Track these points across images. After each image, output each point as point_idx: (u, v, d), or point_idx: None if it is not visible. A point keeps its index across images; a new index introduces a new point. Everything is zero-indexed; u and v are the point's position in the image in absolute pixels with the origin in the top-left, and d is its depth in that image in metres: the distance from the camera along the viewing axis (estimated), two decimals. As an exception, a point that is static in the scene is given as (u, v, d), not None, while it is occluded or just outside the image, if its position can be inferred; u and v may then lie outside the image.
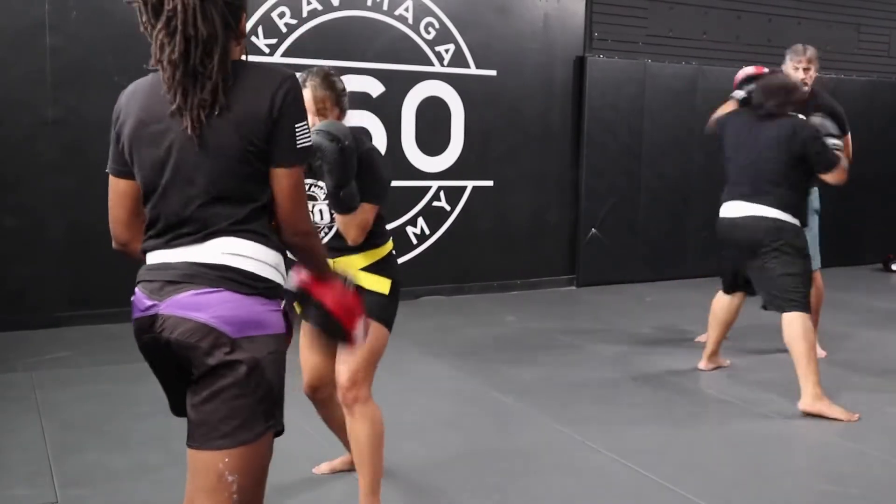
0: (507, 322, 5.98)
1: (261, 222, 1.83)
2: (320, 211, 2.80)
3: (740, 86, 4.91)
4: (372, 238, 2.79)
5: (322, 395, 3.03)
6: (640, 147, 7.46)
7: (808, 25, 8.45)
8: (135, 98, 1.86)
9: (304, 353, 2.99)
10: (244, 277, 1.79)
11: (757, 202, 4.29)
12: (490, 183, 6.92)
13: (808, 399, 4.07)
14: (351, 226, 2.68)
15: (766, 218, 4.27)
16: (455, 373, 4.64)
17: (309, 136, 1.84)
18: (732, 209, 4.41)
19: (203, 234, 1.79)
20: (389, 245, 2.90)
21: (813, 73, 5.05)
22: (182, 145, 1.77)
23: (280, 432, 1.91)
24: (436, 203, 6.71)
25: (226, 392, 1.76)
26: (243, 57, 1.88)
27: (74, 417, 3.77)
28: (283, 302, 1.92)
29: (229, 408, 1.76)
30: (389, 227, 6.45)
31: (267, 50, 5.92)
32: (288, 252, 1.92)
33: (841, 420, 3.97)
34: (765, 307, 4.61)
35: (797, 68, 5.05)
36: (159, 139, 1.79)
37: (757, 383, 4.60)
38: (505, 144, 6.94)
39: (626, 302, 6.77)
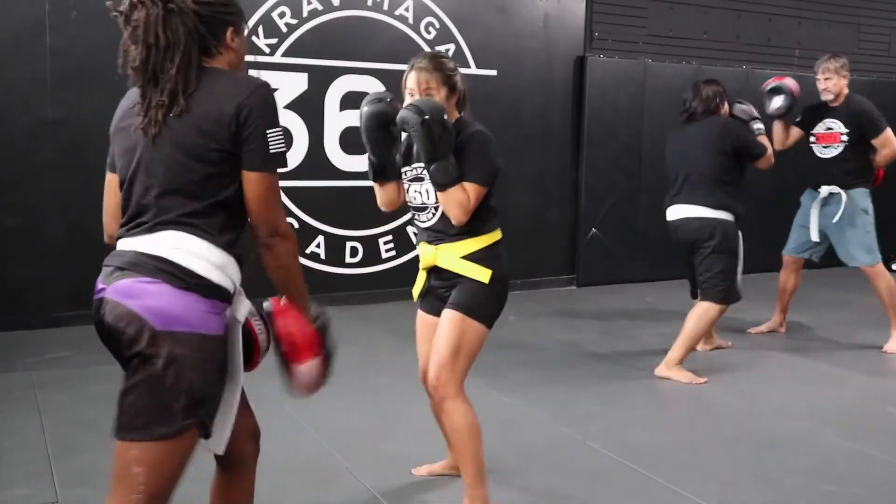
0: (508, 321, 5.98)
1: (213, 220, 1.87)
2: (427, 190, 2.81)
3: (768, 96, 5.27)
4: (475, 223, 2.75)
5: None
6: (640, 147, 7.46)
7: (808, 25, 8.46)
8: (127, 97, 2.01)
9: (419, 342, 3.00)
10: (180, 272, 1.82)
11: (690, 203, 4.65)
12: (490, 183, 6.90)
13: (663, 366, 4.59)
14: (450, 204, 2.68)
15: (699, 218, 4.60)
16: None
17: (282, 142, 1.89)
18: (672, 213, 4.83)
19: (153, 223, 1.85)
20: (496, 235, 2.83)
21: (837, 82, 5.27)
22: (146, 141, 1.87)
23: (206, 435, 1.89)
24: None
25: (142, 385, 1.80)
26: (245, 68, 2.02)
27: (75, 417, 3.77)
28: (227, 308, 1.91)
29: (144, 401, 1.80)
30: (389, 226, 6.50)
31: (267, 50, 5.92)
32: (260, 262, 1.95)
33: (688, 383, 4.46)
34: (693, 296, 4.88)
35: (818, 79, 5.32)
36: (130, 133, 1.91)
37: (757, 383, 4.60)
38: (505, 144, 6.89)
39: (627, 302, 6.77)
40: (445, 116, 2.65)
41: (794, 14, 8.36)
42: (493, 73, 6.79)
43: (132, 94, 1.97)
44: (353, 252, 6.41)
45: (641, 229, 7.54)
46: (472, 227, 2.75)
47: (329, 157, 6.23)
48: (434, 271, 2.85)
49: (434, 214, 2.82)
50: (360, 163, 6.23)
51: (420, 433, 3.71)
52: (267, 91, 1.89)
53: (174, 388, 1.78)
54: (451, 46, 6.60)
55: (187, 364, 1.79)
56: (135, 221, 1.89)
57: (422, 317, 2.98)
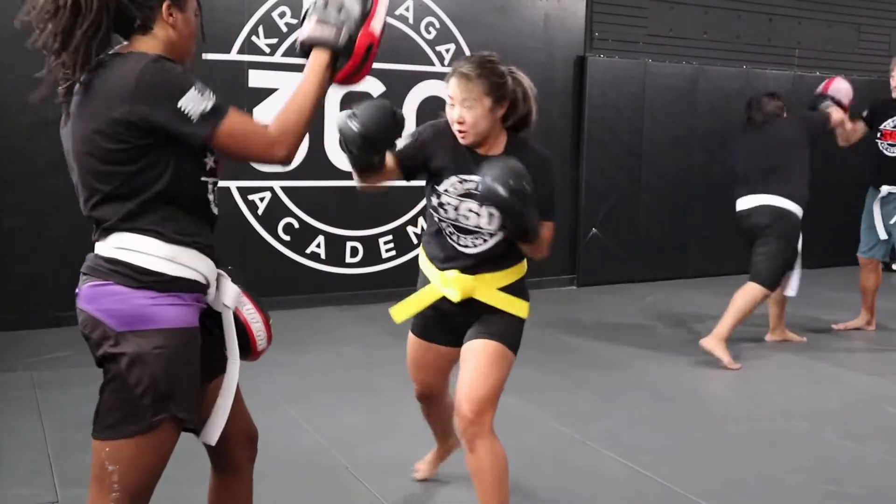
0: (508, 322, 5.97)
1: (152, 217, 1.81)
2: (490, 213, 2.46)
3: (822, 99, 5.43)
4: (517, 253, 2.57)
5: (434, 402, 2.95)
6: (640, 147, 7.46)
7: (808, 25, 8.46)
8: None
9: (417, 370, 2.83)
10: (131, 270, 1.80)
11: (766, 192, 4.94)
12: (490, 183, 6.90)
13: (712, 339, 4.86)
14: (539, 247, 2.50)
15: (771, 206, 4.91)
16: (455, 372, 4.63)
17: (200, 101, 1.72)
18: (745, 202, 5.06)
19: (101, 229, 1.84)
20: (525, 264, 2.65)
21: None
22: (72, 149, 1.83)
23: (190, 429, 1.90)
24: (436, 203, 6.70)
25: (110, 384, 1.80)
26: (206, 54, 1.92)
27: (75, 417, 3.76)
28: (200, 297, 1.88)
29: (113, 400, 1.80)
30: (390, 226, 6.50)
31: (267, 50, 5.92)
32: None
33: (724, 362, 4.77)
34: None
35: (892, 76, 5.47)
36: (65, 138, 1.88)
37: (757, 383, 4.60)
38: (505, 144, 6.93)
39: (627, 302, 6.77)
40: (528, 183, 2.31)
41: (795, 14, 8.36)
42: (494, 72, 6.78)
43: None
44: (354, 252, 6.41)
45: (641, 229, 7.54)
46: (515, 258, 2.58)
47: (329, 157, 6.23)
48: (457, 303, 2.55)
49: (486, 242, 2.53)
50: (361, 163, 6.22)
51: (420, 433, 3.70)
52: (151, 72, 1.72)
53: (139, 387, 1.77)
54: (451, 46, 6.60)
55: (150, 361, 1.77)
56: (94, 226, 1.87)
57: (424, 345, 2.75)
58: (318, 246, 6.28)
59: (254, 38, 5.87)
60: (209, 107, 1.74)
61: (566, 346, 5.29)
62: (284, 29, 5.97)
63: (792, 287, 5.03)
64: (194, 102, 1.73)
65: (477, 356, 2.50)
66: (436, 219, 2.57)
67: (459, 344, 2.62)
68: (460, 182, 2.48)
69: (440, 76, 6.53)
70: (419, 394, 2.91)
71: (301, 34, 1.93)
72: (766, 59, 8.15)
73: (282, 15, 5.97)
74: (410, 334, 2.78)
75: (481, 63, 2.45)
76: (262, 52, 5.89)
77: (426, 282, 2.65)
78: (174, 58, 1.85)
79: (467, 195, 2.48)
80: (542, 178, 2.45)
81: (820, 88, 5.38)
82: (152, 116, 1.72)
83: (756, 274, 4.90)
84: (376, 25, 1.92)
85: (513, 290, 2.58)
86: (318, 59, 1.90)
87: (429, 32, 6.50)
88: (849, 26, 8.73)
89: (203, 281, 1.88)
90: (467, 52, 6.65)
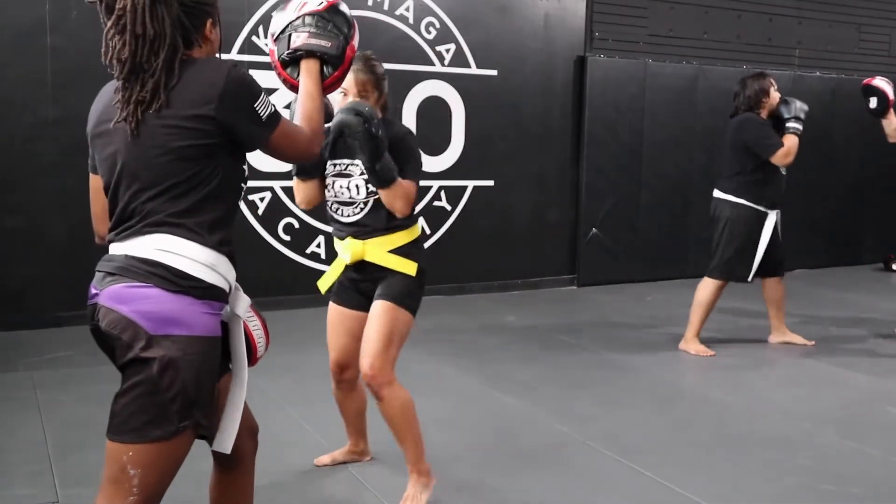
0: (508, 322, 5.98)
1: (201, 219, 1.85)
2: (356, 186, 2.89)
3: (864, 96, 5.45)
4: (401, 218, 2.88)
5: (349, 376, 3.12)
6: (640, 146, 7.46)
7: (808, 25, 8.46)
8: (99, 99, 1.96)
9: (332, 334, 3.09)
10: (172, 274, 1.80)
11: (718, 187, 5.16)
12: (491, 183, 6.92)
13: (684, 342, 5.15)
14: (396, 197, 2.79)
15: (718, 199, 5.12)
16: (455, 372, 4.65)
17: (268, 104, 1.89)
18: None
19: (140, 227, 1.84)
20: (418, 228, 2.99)
21: None
22: (127, 143, 1.84)
23: (204, 436, 1.91)
24: (436, 203, 6.71)
25: (138, 388, 1.79)
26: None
27: (75, 417, 3.77)
28: (224, 307, 1.91)
29: (139, 404, 1.79)
30: (390, 226, 6.51)
31: (268, 50, 5.91)
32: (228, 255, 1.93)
33: (703, 354, 5.01)
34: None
35: None
36: (110, 137, 1.88)
37: (757, 383, 4.60)
38: (506, 144, 6.94)
39: (627, 301, 6.77)
40: (379, 118, 2.75)
41: (795, 14, 8.36)
42: (494, 73, 6.79)
43: (107, 92, 1.93)
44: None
45: (641, 229, 7.54)
46: (398, 222, 2.89)
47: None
48: (356, 265, 2.93)
49: (363, 209, 2.89)
50: (361, 163, 6.23)
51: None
52: (238, 72, 1.85)
53: (169, 391, 1.78)
54: (452, 46, 6.60)
55: (182, 367, 1.78)
56: (123, 225, 1.87)
57: (338, 310, 3.07)
58: (318, 246, 6.28)
59: (254, 38, 5.87)
60: (272, 110, 1.90)
61: (566, 346, 5.29)
62: (284, 29, 5.96)
63: (751, 274, 5.07)
64: (264, 106, 1.88)
65: (373, 317, 2.87)
66: (328, 199, 2.99)
67: (367, 308, 2.97)
68: (332, 165, 2.94)
69: (440, 76, 6.55)
70: (335, 363, 3.09)
71: (295, 42, 2.10)
72: (766, 59, 8.15)
73: (282, 15, 5.96)
74: (330, 303, 3.11)
75: (369, 60, 2.91)
76: (262, 52, 5.89)
77: (337, 254, 3.03)
78: None
79: (337, 175, 2.92)
80: (405, 144, 2.86)
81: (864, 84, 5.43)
82: (234, 117, 1.83)
83: (710, 267, 5.14)
84: (356, 42, 2.19)
85: (403, 252, 2.91)
86: (312, 67, 2.10)
87: (429, 32, 6.50)
88: (849, 26, 8.73)
89: (228, 291, 1.93)
90: (467, 52, 6.66)
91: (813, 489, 3.21)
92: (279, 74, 2.18)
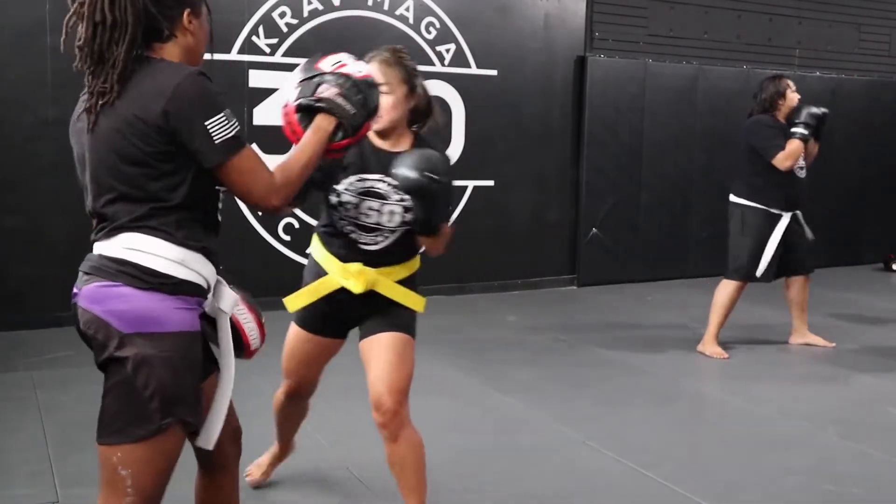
0: (508, 322, 5.98)
1: (164, 220, 1.81)
2: (391, 212, 2.54)
3: None
4: (413, 248, 2.65)
5: (306, 393, 2.93)
6: (640, 146, 7.46)
7: (808, 25, 8.46)
8: (80, 99, 1.93)
9: (294, 362, 2.79)
10: (140, 272, 1.79)
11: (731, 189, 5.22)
12: (491, 183, 6.92)
13: (703, 344, 5.12)
14: (440, 242, 2.58)
15: (730, 202, 5.15)
16: (455, 372, 4.64)
17: (226, 127, 1.75)
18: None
19: (110, 228, 1.83)
20: (419, 258, 2.73)
21: None
22: (88, 143, 1.83)
23: (192, 431, 1.90)
24: (436, 203, 6.70)
25: (116, 388, 1.78)
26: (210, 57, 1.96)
27: (75, 417, 3.77)
28: (202, 301, 1.89)
29: (120, 404, 1.78)
30: (390, 226, 6.51)
31: (268, 50, 5.92)
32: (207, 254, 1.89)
33: (722, 357, 5.00)
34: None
35: None
36: (79, 137, 1.88)
37: (757, 383, 4.60)
38: (506, 144, 6.94)
39: (627, 301, 6.77)
40: (443, 172, 2.43)
41: (795, 14, 8.36)
42: (494, 73, 6.79)
43: (83, 95, 1.89)
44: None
45: (641, 229, 7.54)
46: (411, 252, 2.65)
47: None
48: (356, 294, 2.57)
49: (387, 238, 2.57)
50: (361, 163, 6.22)
51: (420, 433, 3.71)
52: (192, 83, 1.75)
53: (146, 390, 1.76)
54: (452, 46, 6.60)
55: (157, 364, 1.77)
56: (99, 226, 1.86)
57: (308, 337, 2.72)
58: (319, 246, 6.28)
59: (254, 38, 5.87)
60: (231, 135, 1.77)
61: (566, 346, 5.29)
62: (284, 29, 5.97)
63: (759, 269, 5.06)
64: (221, 126, 1.75)
65: (389, 349, 2.55)
66: (335, 217, 2.58)
67: (344, 336, 2.73)
68: (359, 181, 2.53)
69: (440, 76, 6.55)
70: (292, 390, 2.86)
71: (322, 92, 2.00)
72: (767, 59, 8.15)
73: (282, 15, 5.97)
74: (293, 326, 2.76)
75: (397, 52, 2.58)
76: (263, 52, 5.89)
77: (320, 273, 2.64)
78: (191, 62, 1.89)
79: (366, 193, 2.52)
80: (448, 185, 2.51)
81: None
82: (180, 127, 1.74)
83: (727, 269, 5.15)
84: (373, 124, 2.14)
85: (408, 283, 2.64)
86: (326, 124, 1.99)
87: (429, 32, 6.50)
88: (849, 26, 8.73)
89: (206, 286, 1.89)
90: (467, 52, 6.66)
91: (813, 489, 3.21)
92: (285, 115, 2.06)
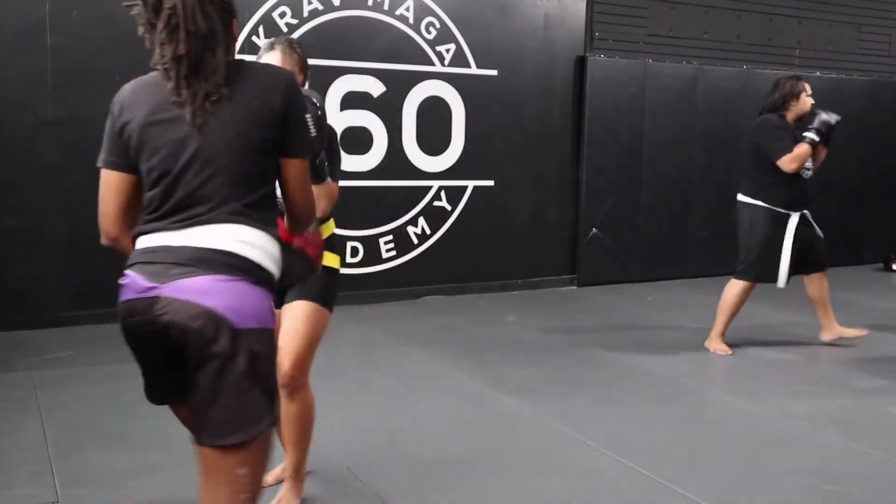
0: (508, 322, 5.98)
1: (265, 211, 1.86)
2: None
3: None
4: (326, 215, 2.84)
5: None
6: (640, 146, 7.46)
7: (808, 25, 8.46)
8: (139, 93, 1.88)
9: None
10: (250, 266, 1.80)
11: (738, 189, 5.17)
12: (491, 183, 6.92)
13: (709, 340, 5.17)
14: (323, 196, 2.71)
15: (737, 201, 5.15)
16: (456, 372, 4.64)
17: (310, 126, 1.94)
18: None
19: (211, 215, 1.80)
20: (332, 225, 2.94)
21: None
22: (198, 129, 1.80)
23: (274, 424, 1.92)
24: (437, 203, 6.71)
25: (233, 386, 1.75)
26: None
27: (76, 417, 3.77)
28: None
29: (237, 402, 1.77)
30: (389, 226, 6.51)
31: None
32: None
33: (726, 353, 5.06)
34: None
35: None
36: (173, 125, 1.82)
37: (757, 384, 4.60)
38: (506, 144, 6.94)
39: (627, 302, 6.77)
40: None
41: (795, 14, 8.36)
42: (494, 72, 6.79)
43: (148, 84, 1.88)
44: (354, 252, 6.41)
45: (641, 229, 7.54)
46: (324, 216, 2.81)
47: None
48: None
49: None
50: (361, 163, 6.23)
51: (420, 433, 3.71)
52: (295, 80, 1.92)
53: (260, 386, 1.78)
54: (452, 46, 6.60)
55: (264, 359, 1.79)
56: (184, 213, 1.81)
57: None
58: (319, 246, 6.27)
59: (254, 38, 5.87)
60: (311, 138, 2.01)
61: (566, 346, 5.29)
62: (285, 29, 5.97)
63: (780, 279, 5.06)
64: (309, 124, 1.96)
65: (295, 318, 2.78)
66: None
67: (279, 306, 2.86)
68: None
69: (440, 76, 6.55)
70: None
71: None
72: (767, 59, 8.15)
73: (282, 15, 5.97)
74: None
75: (292, 42, 2.85)
76: (263, 52, 5.88)
77: None
78: None
79: None
80: (331, 141, 2.77)
81: None
82: (290, 115, 1.86)
83: (737, 269, 5.13)
84: None
85: (326, 245, 2.78)
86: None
87: (429, 32, 6.50)
88: (849, 26, 8.73)
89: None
90: (467, 52, 6.66)
91: (814, 489, 3.21)
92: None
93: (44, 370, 4.48)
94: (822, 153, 5.14)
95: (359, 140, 6.20)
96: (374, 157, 6.32)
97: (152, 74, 1.89)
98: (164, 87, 1.83)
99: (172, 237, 1.80)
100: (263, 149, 1.84)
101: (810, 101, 5.05)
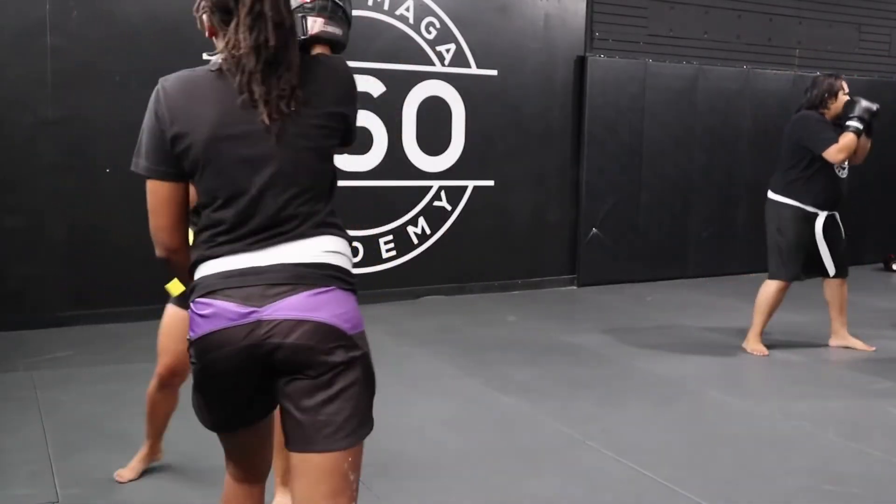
0: (508, 322, 5.98)
1: (338, 218, 1.83)
2: None
3: None
4: None
5: (178, 381, 2.99)
6: (640, 146, 7.46)
7: (808, 25, 8.46)
8: (192, 96, 1.72)
9: (170, 339, 2.88)
10: (345, 275, 1.79)
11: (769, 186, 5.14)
12: (491, 183, 6.92)
13: (747, 342, 5.16)
14: None
15: (768, 199, 5.09)
16: (456, 372, 4.64)
17: None
18: None
19: (297, 232, 1.73)
20: None
21: None
22: (277, 144, 1.70)
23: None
24: (437, 203, 6.71)
25: (349, 390, 1.73)
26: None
27: (75, 417, 3.77)
28: None
29: (352, 406, 1.74)
30: (390, 226, 6.51)
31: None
32: None
33: (754, 354, 5.06)
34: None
35: None
36: (247, 142, 1.70)
37: (757, 384, 4.60)
38: (506, 144, 6.94)
39: (627, 302, 6.77)
40: None
41: (795, 14, 8.36)
42: (494, 72, 6.79)
43: (217, 92, 1.71)
44: (354, 252, 6.40)
45: (642, 229, 7.54)
46: None
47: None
48: None
49: None
50: (361, 163, 6.23)
51: (420, 433, 3.71)
52: (349, 69, 1.86)
53: (370, 387, 1.79)
54: (452, 46, 6.60)
55: (370, 361, 1.80)
56: (264, 234, 1.71)
57: (175, 312, 2.87)
58: (319, 246, 6.28)
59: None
60: None
61: (566, 346, 5.29)
62: (285, 29, 5.96)
63: (829, 268, 5.04)
64: None
65: None
66: None
67: None
68: None
69: (440, 76, 6.55)
70: (169, 368, 2.93)
71: (313, 28, 2.05)
72: (767, 59, 8.16)
73: (282, 15, 5.96)
74: (170, 307, 2.90)
75: None
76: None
77: None
78: None
79: None
80: None
81: None
82: (353, 116, 1.84)
83: (770, 268, 5.10)
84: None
85: None
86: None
87: (429, 32, 6.50)
88: (849, 26, 8.73)
89: None
90: (467, 52, 6.66)
91: (813, 489, 3.21)
92: None
93: (44, 370, 4.48)
94: (867, 144, 5.04)
95: (359, 140, 6.19)
96: (374, 157, 6.32)
97: (200, 71, 1.75)
98: (225, 88, 1.70)
99: (257, 258, 1.71)
100: (330, 156, 1.81)
101: (847, 99, 4.99)
